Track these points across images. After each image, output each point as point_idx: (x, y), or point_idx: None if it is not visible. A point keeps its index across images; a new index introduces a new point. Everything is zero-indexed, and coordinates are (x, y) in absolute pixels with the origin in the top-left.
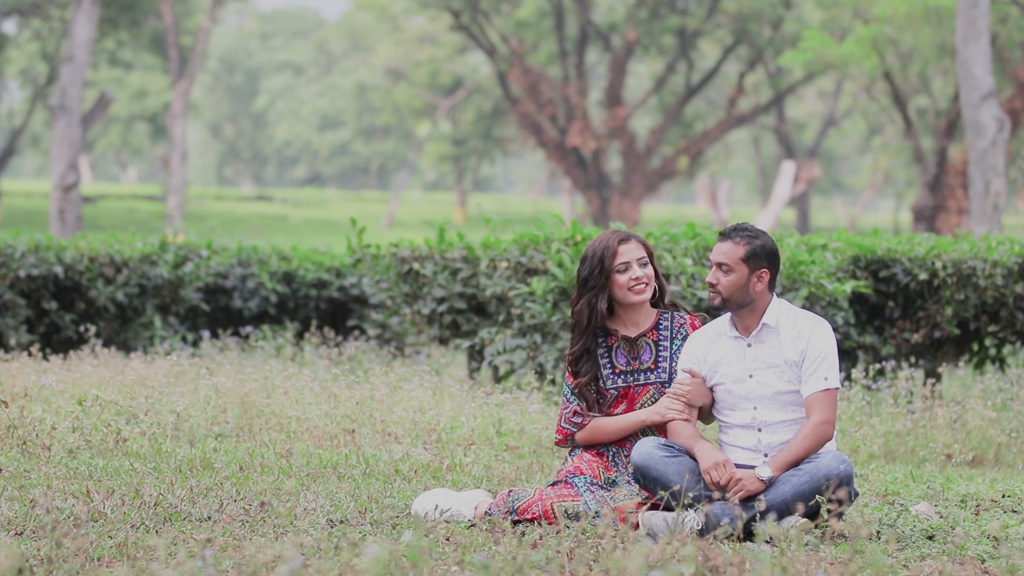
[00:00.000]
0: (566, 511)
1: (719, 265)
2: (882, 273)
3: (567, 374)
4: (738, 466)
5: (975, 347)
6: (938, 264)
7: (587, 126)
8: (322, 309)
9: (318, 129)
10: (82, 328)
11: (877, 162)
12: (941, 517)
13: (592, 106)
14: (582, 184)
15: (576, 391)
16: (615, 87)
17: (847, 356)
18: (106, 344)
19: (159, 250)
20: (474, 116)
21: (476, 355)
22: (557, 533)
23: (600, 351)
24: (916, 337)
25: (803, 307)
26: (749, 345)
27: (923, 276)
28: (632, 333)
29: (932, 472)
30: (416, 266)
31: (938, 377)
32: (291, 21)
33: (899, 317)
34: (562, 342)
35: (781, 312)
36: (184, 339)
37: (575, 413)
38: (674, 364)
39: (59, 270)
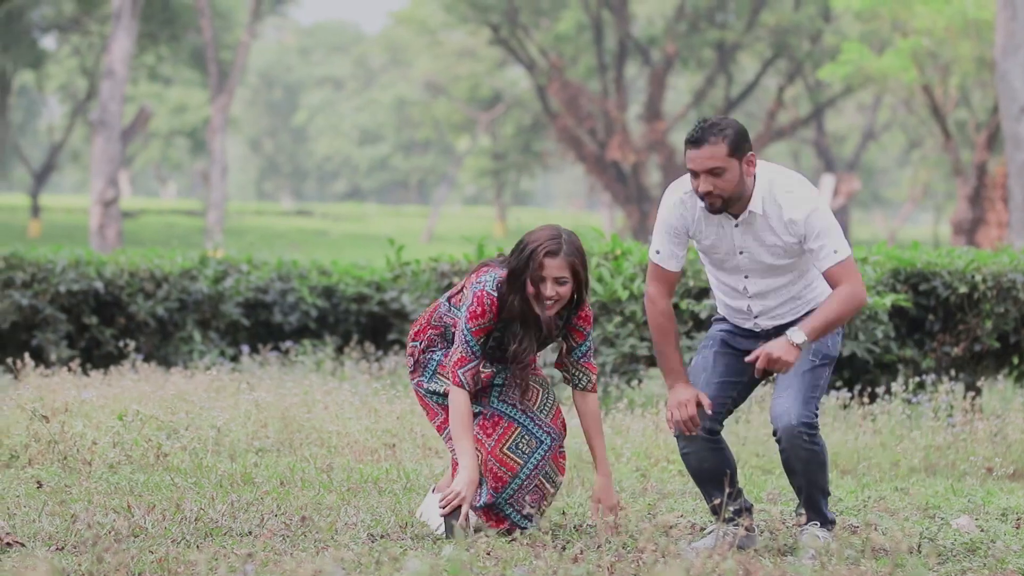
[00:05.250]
0: None
1: (710, 171)
2: (922, 286)
3: (476, 329)
4: (746, 331)
5: (1015, 360)
6: (978, 277)
7: (626, 140)
8: (362, 323)
9: (358, 144)
10: (122, 343)
11: (916, 175)
12: (982, 531)
13: (631, 120)
14: (621, 198)
15: (476, 347)
16: (654, 101)
17: (887, 370)
18: (146, 359)
19: (199, 265)
20: (513, 130)
21: None
22: (598, 547)
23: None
24: (956, 350)
25: None
26: (737, 226)
27: (963, 289)
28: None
29: (973, 485)
30: (455, 280)
31: (978, 390)
32: (330, 36)
33: (939, 330)
34: (603, 357)
35: (766, 198)
36: (224, 354)
37: (471, 369)
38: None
39: (99, 285)
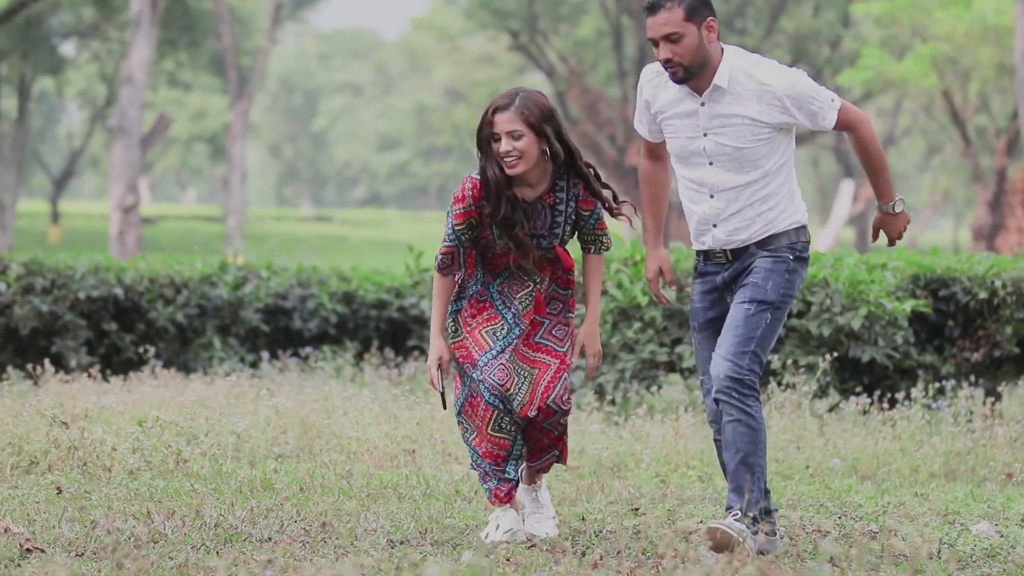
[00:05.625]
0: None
1: (666, 37)
2: (942, 292)
3: (457, 213)
4: (714, 278)
5: None
6: (998, 283)
7: None
8: (382, 329)
9: (377, 150)
10: (142, 349)
11: (936, 181)
12: (1002, 536)
13: None
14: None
15: (457, 234)
16: None
17: (907, 375)
18: (166, 365)
19: (219, 271)
20: None
21: None
22: (618, 553)
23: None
24: (976, 356)
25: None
26: (703, 104)
27: (983, 295)
28: (529, 196)
29: (992, 491)
30: None
31: (998, 396)
32: (350, 42)
33: (959, 336)
34: (622, 363)
35: (734, 73)
36: (244, 360)
37: (447, 254)
38: (566, 229)
39: (119, 291)
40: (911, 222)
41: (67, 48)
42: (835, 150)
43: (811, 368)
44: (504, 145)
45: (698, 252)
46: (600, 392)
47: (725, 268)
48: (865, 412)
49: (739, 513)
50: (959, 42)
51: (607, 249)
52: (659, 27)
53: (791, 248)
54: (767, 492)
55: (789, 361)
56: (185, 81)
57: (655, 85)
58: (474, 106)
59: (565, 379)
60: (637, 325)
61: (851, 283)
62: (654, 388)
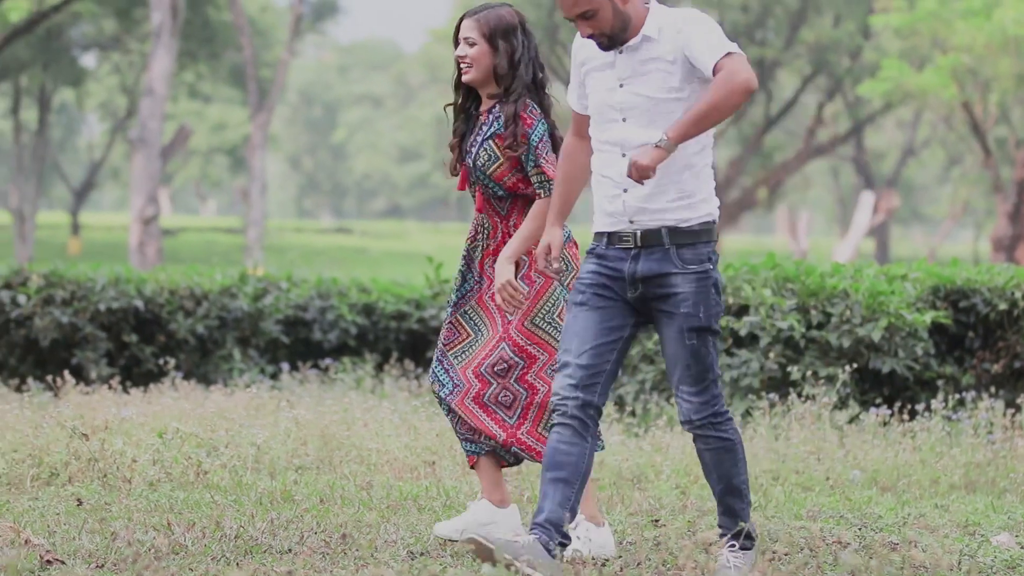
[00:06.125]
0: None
1: (581, 16)
2: (962, 303)
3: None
4: (617, 260)
5: None
6: (1018, 294)
7: None
8: (402, 341)
9: (397, 161)
10: (162, 361)
11: (956, 192)
12: (1022, 548)
13: None
14: None
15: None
16: None
17: (927, 387)
18: (186, 377)
19: (239, 282)
20: None
21: None
22: (638, 565)
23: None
24: (996, 367)
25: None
26: (621, 52)
27: (1003, 306)
28: (484, 107)
29: (1013, 503)
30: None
31: (1018, 407)
32: (369, 54)
33: (979, 347)
34: (641, 374)
35: (665, 25)
36: (264, 371)
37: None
38: (480, 154)
39: (139, 303)
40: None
41: (88, 60)
42: (855, 161)
43: (831, 379)
44: (459, 50)
45: (598, 236)
46: (620, 404)
47: (634, 258)
48: (885, 423)
49: (735, 544)
50: (979, 53)
51: (546, 195)
52: (570, 8)
53: (708, 256)
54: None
55: (809, 372)
56: (205, 93)
57: (588, 42)
58: None
59: (501, 349)
60: (657, 336)
61: (871, 294)
62: (674, 399)
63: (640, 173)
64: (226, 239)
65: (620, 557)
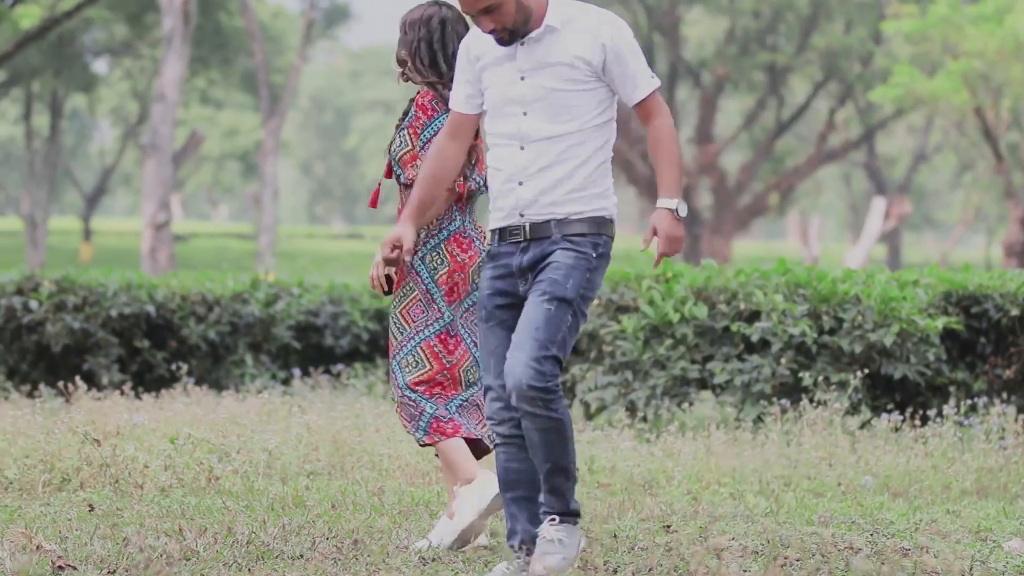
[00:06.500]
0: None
1: (483, 11)
2: (974, 309)
3: None
4: (512, 267)
5: None
6: None
7: None
8: None
9: None
10: (174, 366)
11: (968, 198)
12: None
13: (682, 142)
14: None
15: None
16: (705, 123)
17: (939, 392)
18: (198, 382)
19: (251, 288)
20: None
21: (567, 392)
22: (650, 571)
23: None
24: (1008, 373)
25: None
26: (522, 43)
27: (1015, 312)
28: None
29: None
30: None
31: None
32: (381, 59)
33: (991, 353)
34: (653, 379)
35: (568, 16)
36: (275, 377)
37: None
38: (395, 137)
39: (151, 309)
40: (943, 240)
41: (99, 65)
42: (867, 167)
43: (843, 385)
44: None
45: (492, 234)
46: (631, 409)
47: (522, 251)
48: (897, 429)
49: (556, 518)
50: (991, 59)
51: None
52: (472, 3)
53: (594, 244)
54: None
55: (821, 378)
56: (217, 99)
57: (484, 38)
58: None
59: (396, 357)
60: (668, 342)
61: (883, 300)
62: (685, 405)
63: (676, 245)
64: (238, 245)
65: (632, 563)
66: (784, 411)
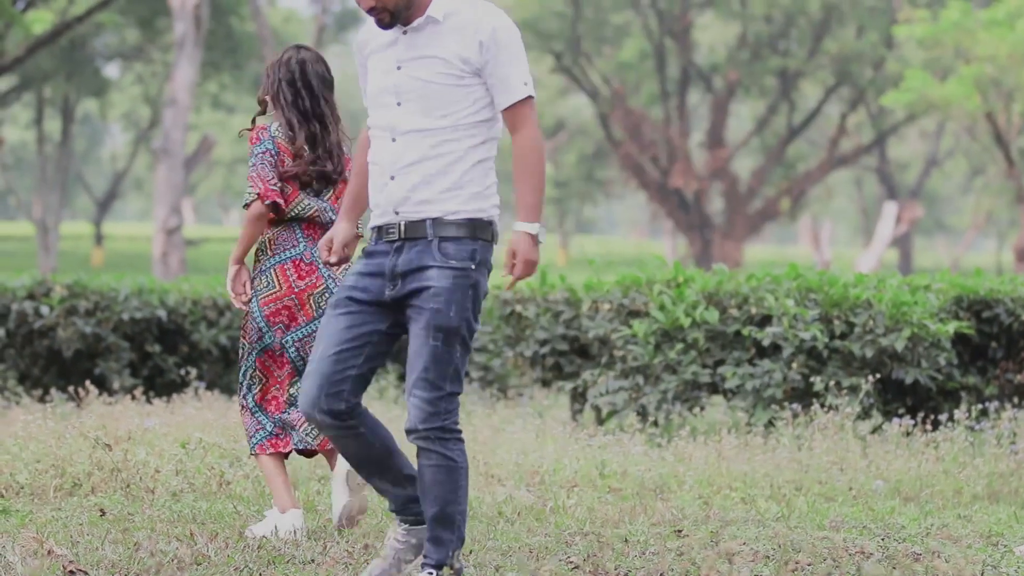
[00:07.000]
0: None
1: None
2: (985, 314)
3: None
4: (379, 263)
5: None
6: None
7: (689, 167)
8: None
9: None
10: (185, 371)
11: (980, 202)
12: None
13: (694, 147)
14: (684, 225)
15: None
16: (717, 128)
17: (950, 397)
18: (209, 387)
19: None
20: (576, 158)
21: (579, 397)
22: (661, 575)
23: None
24: (1019, 377)
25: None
26: (405, 32)
27: None
28: None
29: None
30: (518, 308)
31: None
32: None
33: (1002, 358)
34: (664, 384)
35: (452, 8)
36: None
37: None
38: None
39: (162, 313)
40: (954, 244)
41: (111, 70)
42: (878, 172)
43: (854, 390)
44: None
45: (371, 232)
46: (643, 413)
47: (397, 251)
48: (908, 434)
49: (433, 572)
50: (1002, 63)
51: (244, 205)
52: None
53: (471, 253)
54: (408, 476)
55: (832, 383)
56: (228, 103)
57: (375, 27)
58: None
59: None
60: (680, 346)
61: (894, 304)
62: (696, 409)
63: (531, 269)
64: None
65: (643, 567)
66: (795, 416)
